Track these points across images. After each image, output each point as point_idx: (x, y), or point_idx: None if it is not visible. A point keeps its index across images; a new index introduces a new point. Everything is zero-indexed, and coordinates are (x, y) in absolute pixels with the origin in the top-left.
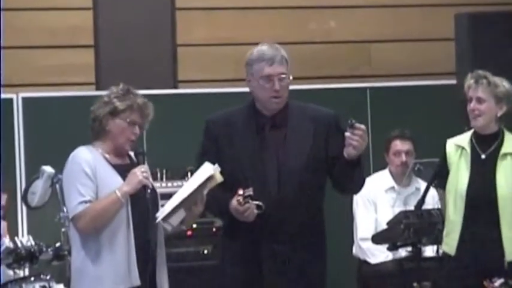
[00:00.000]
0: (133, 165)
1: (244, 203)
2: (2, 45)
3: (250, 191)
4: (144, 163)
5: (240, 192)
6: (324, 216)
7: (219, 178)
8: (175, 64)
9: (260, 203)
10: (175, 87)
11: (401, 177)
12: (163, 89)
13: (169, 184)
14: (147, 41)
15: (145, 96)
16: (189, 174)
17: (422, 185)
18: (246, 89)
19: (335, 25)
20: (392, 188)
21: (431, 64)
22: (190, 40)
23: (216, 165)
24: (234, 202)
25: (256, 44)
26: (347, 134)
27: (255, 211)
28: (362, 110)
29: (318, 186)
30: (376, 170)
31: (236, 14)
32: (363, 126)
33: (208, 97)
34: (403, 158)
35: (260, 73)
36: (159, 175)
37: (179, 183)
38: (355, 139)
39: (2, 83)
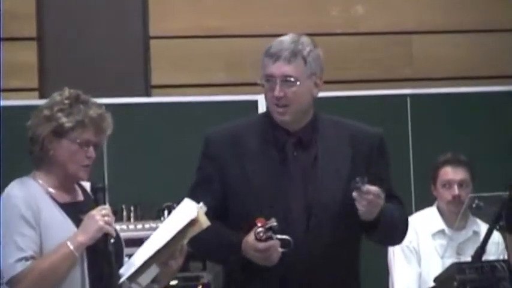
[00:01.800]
0: (89, 203)
1: (266, 238)
2: None
3: (273, 222)
4: (105, 202)
5: (259, 223)
6: (359, 269)
7: (205, 222)
8: (148, 63)
9: (288, 238)
10: (148, 94)
11: (453, 217)
12: (131, 96)
13: (139, 226)
14: (110, 33)
15: (106, 106)
16: (165, 213)
17: (483, 227)
18: (242, 96)
19: (363, 11)
20: (442, 231)
21: (492, 64)
22: (167, 31)
23: (201, 204)
24: (250, 238)
25: (255, 36)
26: (354, 194)
27: (280, 249)
28: (399, 125)
29: (356, 231)
30: (419, 207)
31: None
32: (373, 189)
33: (191, 107)
34: (456, 191)
35: (263, 71)
36: (125, 214)
37: (152, 224)
38: (363, 204)
39: None
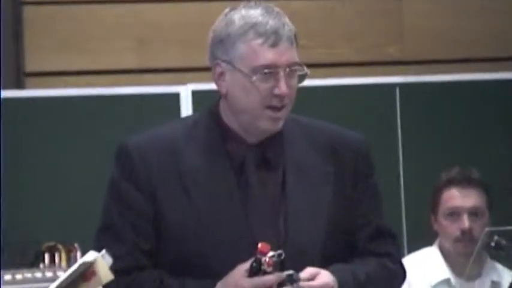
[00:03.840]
0: None
1: (272, 268)
2: None
3: (280, 252)
4: None
5: (264, 250)
6: None
7: (105, 276)
8: (19, 41)
9: (294, 273)
10: (20, 85)
11: (463, 262)
12: None
13: (7, 277)
14: None
15: None
16: (46, 257)
17: (506, 276)
18: (160, 88)
19: None
20: (447, 282)
21: (502, 41)
22: None
23: (104, 252)
24: (242, 270)
25: (179, 1)
26: None
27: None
28: (385, 125)
29: None
30: (412, 245)
31: None
32: (316, 285)
33: (86, 104)
34: (466, 223)
35: (251, 59)
36: None
37: (27, 275)
38: None
39: None
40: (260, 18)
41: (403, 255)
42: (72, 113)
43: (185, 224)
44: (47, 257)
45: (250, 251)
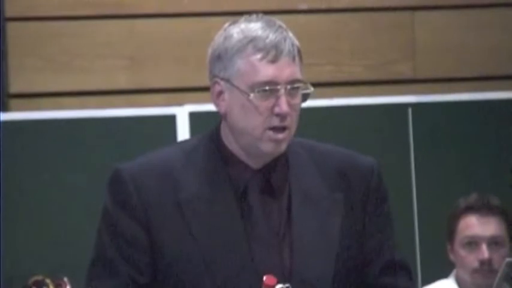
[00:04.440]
0: None
1: None
2: None
3: (288, 286)
4: None
5: (270, 283)
6: None
7: None
8: (3, 60)
9: None
10: (3, 107)
11: None
12: None
13: None
14: None
15: None
16: None
17: None
18: (154, 110)
19: None
20: None
21: None
22: (32, 8)
23: None
24: None
25: (174, 16)
26: None
27: None
28: (397, 147)
29: None
30: (427, 276)
31: None
32: None
33: (74, 128)
34: (486, 253)
35: (250, 75)
36: None
37: None
38: None
39: None
40: (260, 32)
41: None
42: (61, 137)
43: (184, 256)
44: None
45: (253, 283)
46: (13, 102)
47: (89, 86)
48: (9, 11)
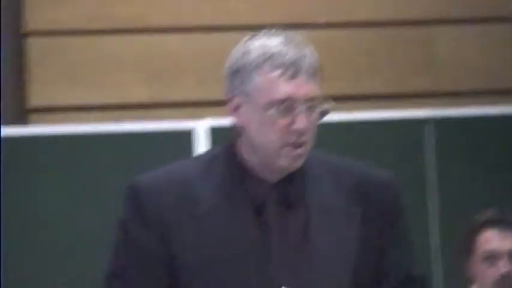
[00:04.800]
0: None
1: None
2: None
3: None
4: None
5: None
6: None
7: None
8: (21, 74)
9: None
10: (22, 121)
11: None
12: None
13: None
14: None
15: None
16: None
17: None
18: (172, 124)
19: None
20: None
21: None
22: (51, 23)
23: None
24: None
25: (190, 31)
26: None
27: None
28: (415, 164)
29: None
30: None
31: None
32: None
33: (91, 141)
34: (505, 268)
35: (268, 92)
36: None
37: None
38: None
39: None
40: (278, 49)
41: None
42: (79, 151)
43: (202, 270)
44: None
45: None
46: (32, 116)
47: (107, 100)
48: (29, 25)
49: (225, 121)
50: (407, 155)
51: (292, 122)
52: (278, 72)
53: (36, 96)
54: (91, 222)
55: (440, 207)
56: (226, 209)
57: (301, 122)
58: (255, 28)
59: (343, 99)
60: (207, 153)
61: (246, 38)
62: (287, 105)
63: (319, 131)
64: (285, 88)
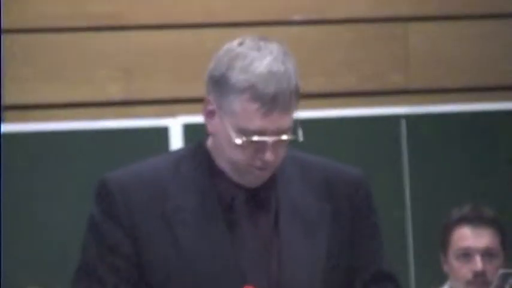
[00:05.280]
0: None
1: None
2: None
3: None
4: None
5: None
6: None
7: None
8: None
9: None
10: None
11: None
12: None
13: None
14: None
15: None
16: None
17: None
18: (147, 121)
19: None
20: None
21: None
22: (27, 20)
23: None
24: None
25: (168, 27)
26: None
27: None
28: (389, 160)
29: None
30: (421, 286)
31: None
32: None
33: (67, 140)
34: (480, 264)
35: (241, 119)
36: None
37: None
38: None
39: None
40: (262, 78)
41: None
42: (55, 149)
43: (170, 266)
44: None
45: None
46: (7, 113)
47: (83, 98)
48: (4, 22)
49: (200, 118)
50: (383, 151)
51: (260, 151)
52: (256, 105)
53: (11, 94)
54: (67, 220)
55: (416, 203)
56: (196, 206)
57: (269, 155)
58: (230, 25)
59: (318, 96)
60: (178, 150)
61: (235, 42)
62: (258, 138)
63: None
64: (258, 122)
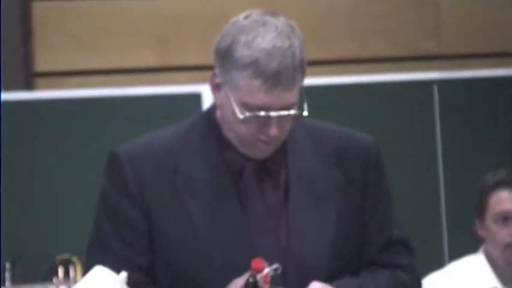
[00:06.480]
0: None
1: (269, 285)
2: None
3: (277, 266)
4: None
5: (258, 266)
6: None
7: None
8: (28, 38)
9: None
10: (29, 86)
11: None
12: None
13: None
14: None
15: None
16: (59, 271)
17: None
18: (180, 87)
19: None
20: None
21: None
22: None
23: (123, 274)
24: (237, 286)
25: None
26: None
27: None
28: (423, 124)
29: None
30: (454, 251)
31: None
32: None
33: (100, 106)
34: None
35: (244, 95)
36: None
37: None
38: None
39: None
40: (265, 54)
41: (444, 263)
42: (87, 116)
43: (181, 237)
44: (60, 270)
45: (249, 263)
46: (38, 81)
47: (115, 64)
48: None
49: None
50: (416, 117)
51: (265, 126)
52: (259, 81)
53: (43, 61)
54: (95, 188)
55: (448, 168)
56: (206, 176)
57: (273, 130)
58: None
59: (350, 62)
60: (187, 121)
61: (241, 16)
62: (261, 113)
63: (326, 93)
64: (262, 98)
